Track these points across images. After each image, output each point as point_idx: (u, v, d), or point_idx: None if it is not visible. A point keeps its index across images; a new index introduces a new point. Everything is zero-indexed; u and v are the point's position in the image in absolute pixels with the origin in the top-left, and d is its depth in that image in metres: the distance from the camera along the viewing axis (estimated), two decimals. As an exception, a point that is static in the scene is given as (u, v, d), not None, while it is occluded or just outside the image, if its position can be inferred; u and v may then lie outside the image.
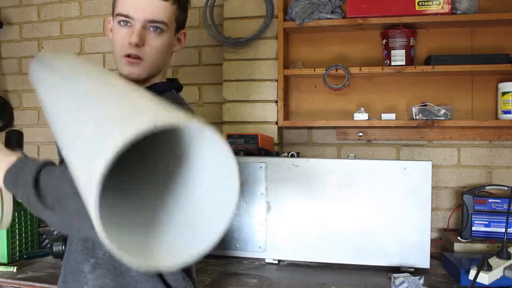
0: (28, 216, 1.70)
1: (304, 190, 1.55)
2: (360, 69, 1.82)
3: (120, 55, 1.04)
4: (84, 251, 1.06)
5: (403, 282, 1.29)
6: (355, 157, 1.57)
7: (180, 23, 1.10)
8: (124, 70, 1.05)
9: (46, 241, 1.76)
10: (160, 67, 1.09)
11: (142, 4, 1.01)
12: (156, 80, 1.12)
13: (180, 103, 1.13)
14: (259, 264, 1.60)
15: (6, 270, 1.50)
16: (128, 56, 1.03)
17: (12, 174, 0.84)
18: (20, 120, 2.43)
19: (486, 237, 1.66)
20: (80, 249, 1.06)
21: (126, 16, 1.02)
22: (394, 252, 1.50)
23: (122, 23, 1.03)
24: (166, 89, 1.14)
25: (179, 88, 1.18)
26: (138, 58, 1.03)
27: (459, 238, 1.69)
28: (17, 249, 1.66)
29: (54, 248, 1.59)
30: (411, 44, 1.81)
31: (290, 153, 1.64)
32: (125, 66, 1.05)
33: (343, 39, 1.97)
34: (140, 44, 1.01)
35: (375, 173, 1.51)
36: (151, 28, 1.03)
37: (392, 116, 1.84)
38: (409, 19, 1.76)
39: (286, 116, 1.96)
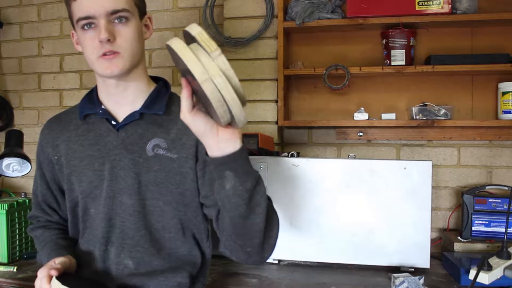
0: (28, 216, 1.70)
1: (304, 190, 1.55)
2: (360, 69, 1.82)
3: (95, 57, 1.01)
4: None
5: (403, 282, 1.29)
6: (355, 157, 1.57)
7: (141, 8, 1.07)
8: (105, 71, 1.02)
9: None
10: (138, 57, 1.06)
11: None
12: (140, 72, 1.10)
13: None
14: (259, 264, 1.61)
15: (6, 270, 1.50)
16: (104, 55, 1.00)
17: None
18: (20, 120, 2.43)
19: (486, 237, 1.66)
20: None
21: (87, 17, 0.99)
22: (394, 252, 1.50)
23: (85, 26, 1.00)
24: (169, 93, 1.13)
25: (168, 85, 1.17)
26: (114, 52, 1.00)
27: (459, 238, 1.70)
28: (17, 249, 1.66)
29: (54, 248, 1.58)
30: (411, 44, 1.81)
31: (290, 153, 1.64)
32: (104, 65, 1.01)
33: (343, 39, 1.97)
34: (111, 38, 0.98)
35: (375, 173, 1.51)
36: (116, 20, 1.00)
37: (392, 116, 1.84)
38: (409, 19, 1.76)
39: (286, 116, 1.96)
